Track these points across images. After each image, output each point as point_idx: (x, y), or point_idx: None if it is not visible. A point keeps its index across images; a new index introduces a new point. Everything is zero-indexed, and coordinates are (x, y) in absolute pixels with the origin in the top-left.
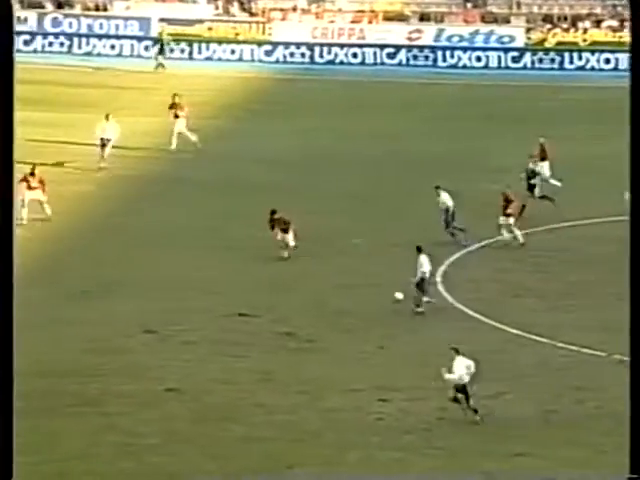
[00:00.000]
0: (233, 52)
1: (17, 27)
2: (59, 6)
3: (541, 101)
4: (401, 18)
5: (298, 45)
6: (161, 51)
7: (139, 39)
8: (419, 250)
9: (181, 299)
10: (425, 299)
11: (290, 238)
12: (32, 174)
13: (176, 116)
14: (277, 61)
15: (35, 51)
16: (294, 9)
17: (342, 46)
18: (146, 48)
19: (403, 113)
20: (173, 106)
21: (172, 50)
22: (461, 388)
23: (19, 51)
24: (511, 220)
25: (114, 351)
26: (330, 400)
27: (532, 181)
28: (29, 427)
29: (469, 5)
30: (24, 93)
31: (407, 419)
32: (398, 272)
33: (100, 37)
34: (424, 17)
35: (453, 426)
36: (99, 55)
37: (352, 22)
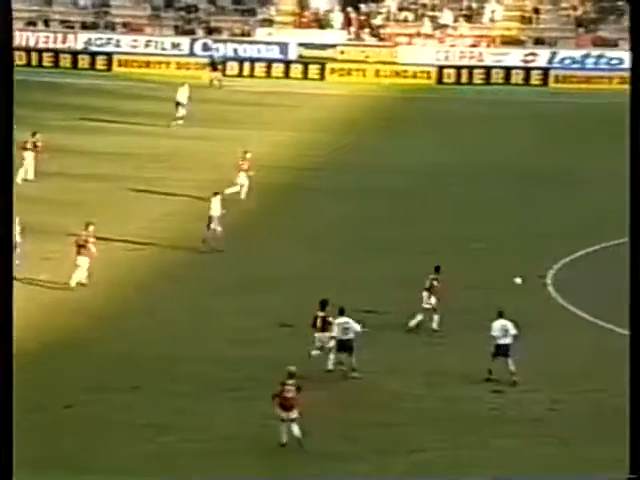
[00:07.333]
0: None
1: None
2: (209, 32)
3: None
4: (517, 42)
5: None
6: (214, 69)
7: (280, 62)
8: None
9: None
10: None
11: None
12: None
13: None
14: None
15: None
16: (418, 34)
17: (462, 68)
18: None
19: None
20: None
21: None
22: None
23: None
24: None
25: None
26: None
27: None
28: None
29: (581, 30)
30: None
31: None
32: None
33: (242, 60)
34: (539, 41)
35: None
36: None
37: (471, 46)
